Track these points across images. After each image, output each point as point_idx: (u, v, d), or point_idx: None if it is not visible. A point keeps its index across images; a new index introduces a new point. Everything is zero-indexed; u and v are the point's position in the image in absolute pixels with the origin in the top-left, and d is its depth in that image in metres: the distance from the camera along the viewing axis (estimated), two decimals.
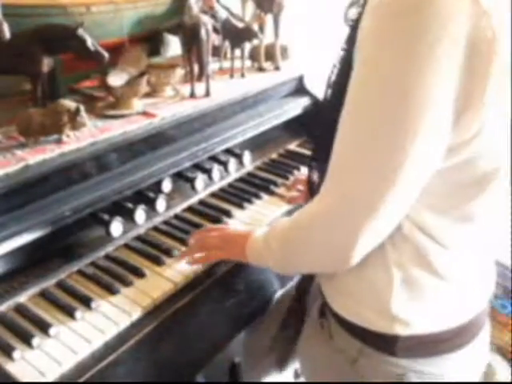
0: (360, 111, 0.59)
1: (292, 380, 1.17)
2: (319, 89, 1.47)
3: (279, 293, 1.06)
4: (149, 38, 1.38)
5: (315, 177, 0.77)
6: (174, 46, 1.46)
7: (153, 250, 0.98)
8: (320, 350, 0.81)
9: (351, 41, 0.62)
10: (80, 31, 0.99)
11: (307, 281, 0.89)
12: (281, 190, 1.21)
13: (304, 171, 1.32)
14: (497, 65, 0.53)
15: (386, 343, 0.70)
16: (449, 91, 0.54)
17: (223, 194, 1.20)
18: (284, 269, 0.80)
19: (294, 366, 1.08)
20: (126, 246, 1.00)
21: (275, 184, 1.23)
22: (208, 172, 1.16)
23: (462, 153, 0.59)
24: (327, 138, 0.64)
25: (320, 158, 0.73)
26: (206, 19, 1.20)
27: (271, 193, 1.20)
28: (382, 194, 0.59)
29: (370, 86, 0.57)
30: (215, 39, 1.41)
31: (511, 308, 1.55)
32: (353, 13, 0.68)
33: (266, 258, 0.77)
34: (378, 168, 0.58)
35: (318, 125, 0.78)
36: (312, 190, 0.79)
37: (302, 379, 1.07)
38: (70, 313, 0.82)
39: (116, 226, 0.96)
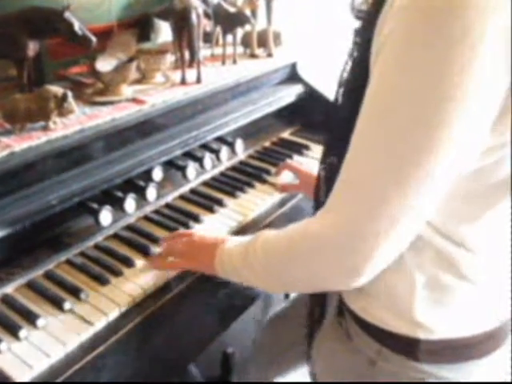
0: (382, 119, 0.52)
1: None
2: (312, 76, 1.45)
3: None
4: (138, 23, 1.35)
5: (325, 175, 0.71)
6: (164, 31, 1.43)
7: (143, 239, 0.97)
8: (337, 350, 0.77)
9: (364, 36, 0.58)
10: (67, 14, 0.96)
11: None
12: (274, 179, 1.20)
13: (297, 159, 1.31)
14: None
15: (406, 346, 0.66)
16: (495, 91, 0.49)
17: (215, 182, 1.18)
18: (268, 290, 0.75)
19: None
20: (116, 235, 0.98)
21: (268, 172, 1.22)
22: (199, 160, 1.14)
23: (494, 154, 0.55)
24: (339, 139, 0.60)
25: (331, 161, 0.68)
26: (197, 3, 1.18)
27: (264, 181, 1.19)
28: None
29: (397, 92, 0.51)
30: (206, 25, 1.38)
31: None
32: (360, 2, 0.63)
33: (246, 275, 0.70)
34: (395, 183, 0.52)
35: (329, 125, 0.72)
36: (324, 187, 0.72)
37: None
38: (58, 304, 0.80)
39: (105, 215, 0.94)
